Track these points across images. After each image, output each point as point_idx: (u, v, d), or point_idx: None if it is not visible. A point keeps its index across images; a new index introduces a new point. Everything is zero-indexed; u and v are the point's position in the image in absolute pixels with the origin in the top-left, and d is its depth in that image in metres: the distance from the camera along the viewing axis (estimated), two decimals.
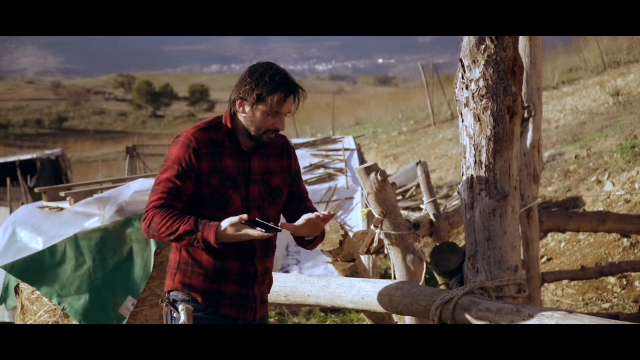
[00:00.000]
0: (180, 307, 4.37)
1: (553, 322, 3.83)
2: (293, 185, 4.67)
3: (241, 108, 4.36)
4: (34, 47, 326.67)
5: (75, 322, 7.20)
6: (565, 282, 10.66)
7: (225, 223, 4.10)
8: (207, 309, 4.40)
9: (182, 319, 4.34)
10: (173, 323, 4.43)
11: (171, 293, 4.47)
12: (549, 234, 12.55)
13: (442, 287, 5.51)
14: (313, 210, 4.63)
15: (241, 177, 4.41)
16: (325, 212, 4.31)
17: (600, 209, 12.46)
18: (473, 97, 4.45)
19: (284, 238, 12.07)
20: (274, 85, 4.25)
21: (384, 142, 30.33)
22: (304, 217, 4.28)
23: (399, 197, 18.19)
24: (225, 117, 4.45)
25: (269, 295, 5.27)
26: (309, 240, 4.54)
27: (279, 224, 4.25)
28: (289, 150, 4.67)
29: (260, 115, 4.32)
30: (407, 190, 18.61)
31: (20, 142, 79.55)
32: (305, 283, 5.25)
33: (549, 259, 12.02)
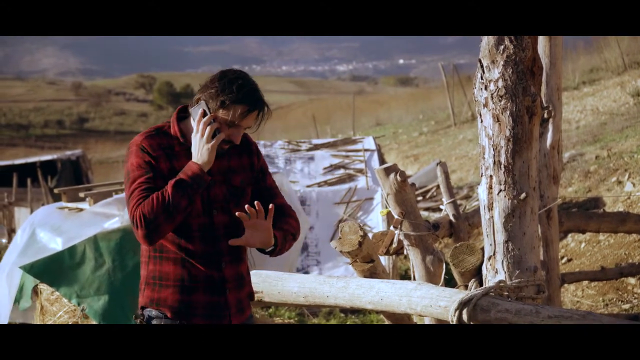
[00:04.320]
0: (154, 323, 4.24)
1: (572, 323, 3.82)
2: (259, 182, 4.43)
3: None
4: (55, 48, 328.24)
5: (94, 323, 7.23)
6: (585, 283, 10.60)
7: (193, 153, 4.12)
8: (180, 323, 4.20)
9: None
10: None
11: (145, 310, 4.27)
12: (569, 235, 12.50)
13: (461, 288, 5.49)
14: (284, 208, 4.46)
15: None
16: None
17: (621, 209, 12.38)
18: (492, 97, 4.43)
19: (300, 240, 11.94)
20: (240, 96, 4.06)
21: (405, 142, 30.33)
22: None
23: (420, 198, 18.16)
24: (172, 122, 4.28)
25: (288, 296, 5.26)
26: (269, 250, 4.32)
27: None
28: (250, 148, 4.44)
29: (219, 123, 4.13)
30: (428, 191, 18.57)
31: (41, 143, 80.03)
32: (324, 284, 5.23)
33: (569, 260, 11.97)
